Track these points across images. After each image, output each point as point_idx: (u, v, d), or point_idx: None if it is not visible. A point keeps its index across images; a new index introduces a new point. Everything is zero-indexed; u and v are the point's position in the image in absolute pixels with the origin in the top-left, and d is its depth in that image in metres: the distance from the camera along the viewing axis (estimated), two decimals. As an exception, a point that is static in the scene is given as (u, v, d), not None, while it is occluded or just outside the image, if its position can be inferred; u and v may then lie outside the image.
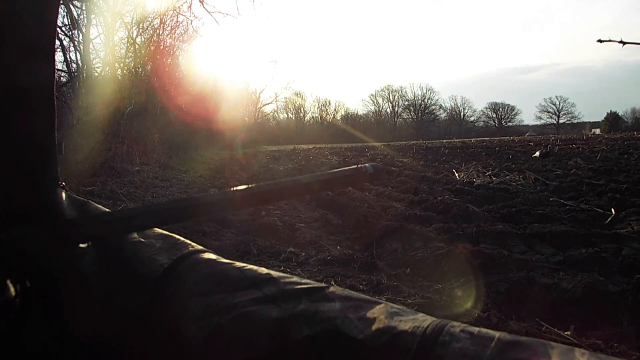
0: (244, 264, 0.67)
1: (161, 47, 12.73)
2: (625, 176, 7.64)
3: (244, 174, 10.90)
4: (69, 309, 0.84)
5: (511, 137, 39.35)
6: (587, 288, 2.48)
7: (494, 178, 8.34)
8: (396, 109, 68.85)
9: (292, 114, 63.34)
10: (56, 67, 0.94)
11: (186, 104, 14.14)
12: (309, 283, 0.59)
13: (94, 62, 10.50)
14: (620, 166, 9.42)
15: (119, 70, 11.64)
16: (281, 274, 0.62)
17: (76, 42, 9.39)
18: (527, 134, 48.73)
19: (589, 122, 64.88)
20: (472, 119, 69.14)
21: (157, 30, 12.50)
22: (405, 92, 69.09)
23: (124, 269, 0.79)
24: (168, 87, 12.75)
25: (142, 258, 0.77)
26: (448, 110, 69.20)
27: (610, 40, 1.15)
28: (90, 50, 10.24)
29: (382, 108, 69.27)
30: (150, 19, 12.24)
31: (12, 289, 0.70)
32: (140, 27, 12.16)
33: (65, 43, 8.58)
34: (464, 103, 69.72)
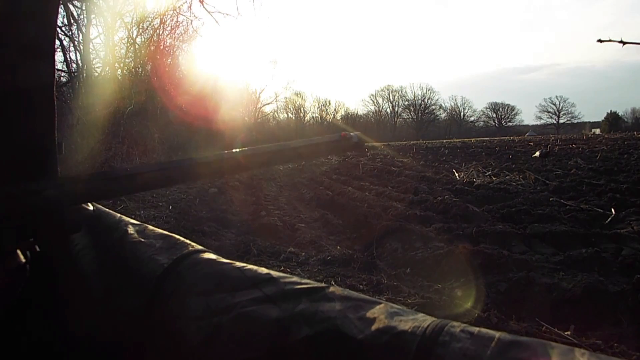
0: (244, 264, 0.67)
1: (161, 47, 12.73)
2: (625, 176, 7.64)
3: (244, 174, 10.90)
4: (69, 308, 0.84)
5: (511, 137, 39.34)
6: (587, 288, 2.48)
7: (494, 178, 8.35)
8: (396, 109, 68.90)
9: (292, 114, 63.29)
10: (56, 67, 0.94)
11: (186, 104, 14.15)
12: (309, 283, 0.59)
13: (94, 62, 10.51)
14: (620, 166, 9.42)
15: (119, 70, 11.65)
16: (281, 274, 0.62)
17: (76, 42, 9.40)
18: (527, 134, 48.75)
19: (589, 122, 64.91)
20: (472, 119, 69.20)
21: (157, 30, 12.51)
22: (405, 92, 69.15)
23: (124, 269, 0.79)
24: (168, 87, 12.76)
25: (142, 258, 0.77)
26: (448, 110, 69.28)
27: (610, 40, 1.15)
28: (90, 50, 10.25)
29: (382, 108, 69.34)
30: (150, 19, 12.26)
31: (22, 256, 0.72)
32: (140, 27, 12.17)
33: (65, 43, 8.59)
34: (464, 103, 69.80)
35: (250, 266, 0.66)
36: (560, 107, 65.33)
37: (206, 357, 0.60)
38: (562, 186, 6.79)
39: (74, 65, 9.23)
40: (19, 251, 0.72)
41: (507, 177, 8.33)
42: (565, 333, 2.10)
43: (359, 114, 68.58)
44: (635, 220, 4.32)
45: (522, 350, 0.40)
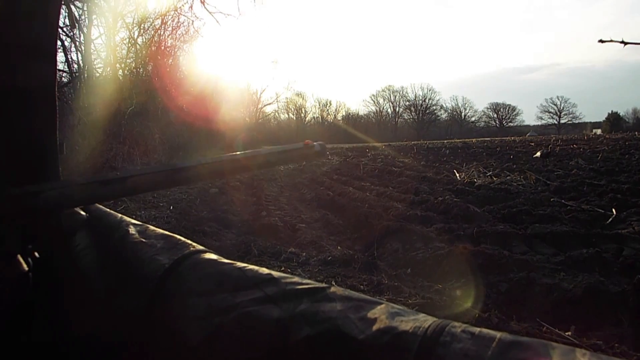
0: (245, 264, 0.67)
1: (162, 48, 12.75)
2: (627, 176, 7.63)
3: (244, 174, 10.90)
4: (72, 308, 0.84)
5: (512, 138, 39.27)
6: (588, 288, 2.48)
7: (494, 178, 8.34)
8: (397, 109, 68.86)
9: (293, 114, 63.35)
10: (57, 68, 0.94)
11: (187, 104, 14.17)
12: (309, 283, 0.59)
13: (95, 63, 10.53)
14: (621, 166, 9.40)
15: (120, 70, 11.67)
16: (282, 274, 0.63)
17: (77, 43, 9.42)
18: (528, 134, 48.66)
19: (590, 123, 64.71)
20: (473, 119, 69.03)
21: (159, 31, 12.53)
22: (406, 92, 69.06)
23: (126, 269, 0.79)
24: (169, 88, 12.77)
25: (143, 258, 0.77)
26: (449, 111, 69.13)
27: (611, 41, 1.15)
28: (92, 50, 10.27)
29: (383, 108, 69.30)
30: (151, 20, 12.28)
31: (24, 264, 0.73)
32: (142, 27, 12.19)
33: (66, 43, 8.61)
34: (465, 103, 69.60)
35: (251, 266, 0.67)
36: (562, 108, 65.23)
37: (207, 357, 0.60)
38: (563, 186, 6.78)
39: (75, 66, 9.26)
40: (21, 259, 0.73)
41: (508, 178, 8.32)
42: (566, 333, 2.10)
43: (359, 114, 68.70)
44: (636, 221, 4.31)
45: (523, 350, 0.40)
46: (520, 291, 2.65)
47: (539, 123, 66.51)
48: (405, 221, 4.60)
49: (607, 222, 4.44)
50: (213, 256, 0.73)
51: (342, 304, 0.53)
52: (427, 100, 67.92)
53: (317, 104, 65.06)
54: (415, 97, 68.03)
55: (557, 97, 66.10)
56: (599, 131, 52.39)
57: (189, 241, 0.80)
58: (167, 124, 13.44)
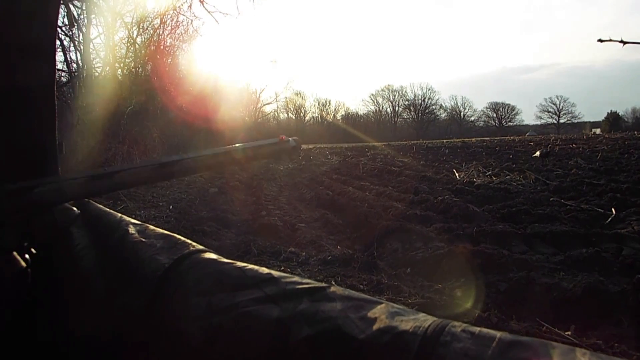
0: (245, 264, 0.67)
1: (161, 47, 12.74)
2: (626, 176, 7.64)
3: (244, 174, 10.90)
4: (71, 308, 0.84)
5: (511, 137, 39.30)
6: (588, 288, 2.48)
7: (494, 178, 8.34)
8: (396, 108, 68.84)
9: (292, 114, 63.40)
10: (56, 67, 0.94)
11: (186, 103, 14.16)
12: (309, 283, 0.59)
13: (94, 62, 10.51)
14: (620, 166, 9.41)
15: (119, 70, 11.66)
16: (282, 274, 0.63)
17: (76, 42, 9.41)
18: (527, 134, 48.67)
19: (590, 122, 64.75)
20: (472, 118, 69.02)
21: (158, 30, 12.52)
22: (406, 91, 69.05)
23: (125, 269, 0.79)
24: (168, 87, 12.76)
25: (143, 258, 0.77)
26: (448, 110, 69.13)
27: (611, 40, 1.15)
28: (91, 50, 10.26)
29: (382, 108, 69.29)
30: (150, 19, 12.26)
31: (22, 261, 0.74)
32: (141, 27, 12.18)
33: (65, 43, 8.60)
34: (464, 103, 69.58)
35: (251, 266, 0.66)
36: (561, 107, 65.25)
37: (207, 357, 0.60)
38: (562, 186, 6.78)
39: (74, 65, 9.24)
40: (18, 256, 0.73)
41: (507, 177, 8.33)
42: (566, 333, 2.10)
43: (359, 113, 68.69)
44: (635, 220, 4.32)
45: (523, 350, 0.40)
46: (520, 291, 2.65)
47: (538, 122, 66.59)
48: (404, 221, 4.60)
49: (607, 221, 4.45)
50: (213, 256, 0.73)
51: (342, 304, 0.53)
52: (426, 100, 68.01)
53: (317, 104, 65.16)
54: (415, 96, 68.10)
55: (557, 97, 66.22)
56: (598, 131, 52.43)
57: (189, 241, 0.80)
58: (166, 124, 13.44)
